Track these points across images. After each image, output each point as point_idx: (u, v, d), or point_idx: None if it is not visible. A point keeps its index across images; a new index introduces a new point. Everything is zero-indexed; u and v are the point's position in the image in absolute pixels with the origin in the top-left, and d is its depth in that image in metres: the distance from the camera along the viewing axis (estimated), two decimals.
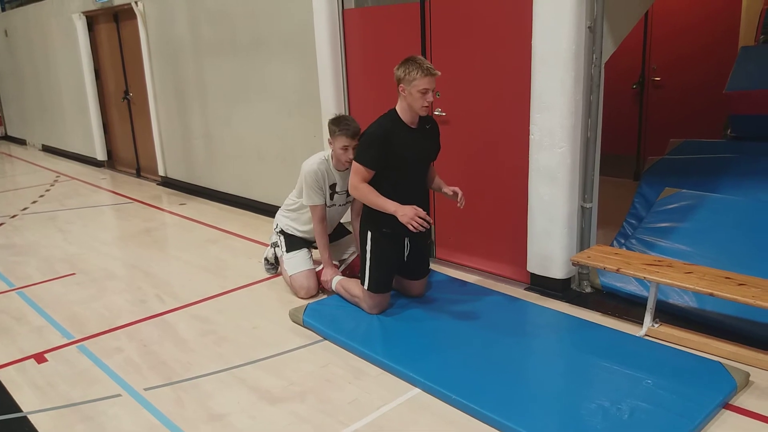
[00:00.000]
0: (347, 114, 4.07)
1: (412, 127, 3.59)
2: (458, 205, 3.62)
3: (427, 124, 3.70)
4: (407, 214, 3.42)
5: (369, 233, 3.72)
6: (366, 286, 3.73)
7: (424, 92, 3.41)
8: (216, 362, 3.38)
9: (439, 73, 3.46)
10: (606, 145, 4.16)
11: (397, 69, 3.48)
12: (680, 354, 3.18)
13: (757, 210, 3.93)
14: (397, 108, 3.59)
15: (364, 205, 3.73)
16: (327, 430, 2.75)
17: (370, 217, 3.72)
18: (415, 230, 3.43)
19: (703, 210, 4.10)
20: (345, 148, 3.90)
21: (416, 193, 3.68)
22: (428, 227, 3.49)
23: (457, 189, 3.65)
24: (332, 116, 4.07)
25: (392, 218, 3.50)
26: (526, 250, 4.10)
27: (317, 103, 5.35)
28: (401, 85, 3.47)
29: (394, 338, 3.49)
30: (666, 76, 6.53)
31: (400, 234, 3.63)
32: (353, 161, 3.62)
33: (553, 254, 3.97)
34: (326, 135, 5.24)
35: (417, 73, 3.38)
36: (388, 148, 3.51)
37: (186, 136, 7.42)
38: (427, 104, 3.47)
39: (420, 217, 3.42)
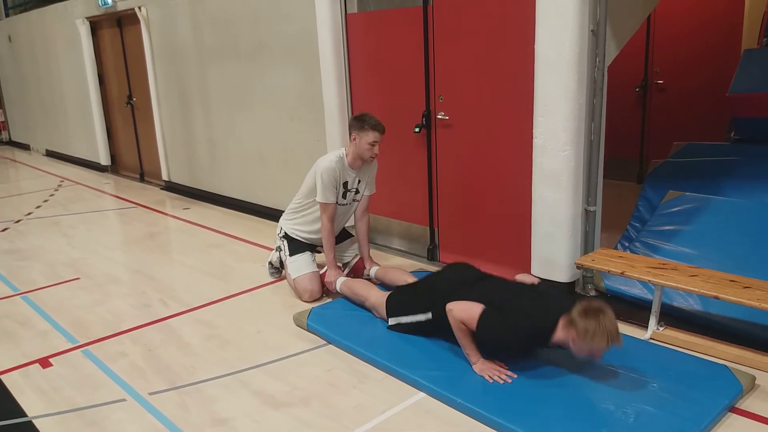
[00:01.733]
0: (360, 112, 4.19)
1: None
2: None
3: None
4: (487, 368, 3.07)
5: (430, 315, 3.40)
6: (389, 323, 3.61)
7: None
8: (220, 366, 3.38)
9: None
10: (609, 149, 4.16)
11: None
12: (685, 357, 3.17)
13: (761, 212, 3.93)
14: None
15: (450, 296, 3.24)
16: None
17: (443, 314, 3.22)
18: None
19: (707, 213, 4.09)
20: (373, 144, 4.01)
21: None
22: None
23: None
24: (354, 115, 4.17)
25: (439, 308, 3.23)
26: (530, 254, 4.10)
27: (320, 107, 5.35)
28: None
29: (398, 342, 3.48)
30: (669, 79, 6.53)
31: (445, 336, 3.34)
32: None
33: (557, 257, 3.97)
34: (330, 139, 5.29)
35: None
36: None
37: (189, 140, 7.43)
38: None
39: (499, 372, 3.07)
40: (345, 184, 4.15)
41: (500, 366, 3.08)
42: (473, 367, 3.11)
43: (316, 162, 4.14)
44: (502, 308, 3.03)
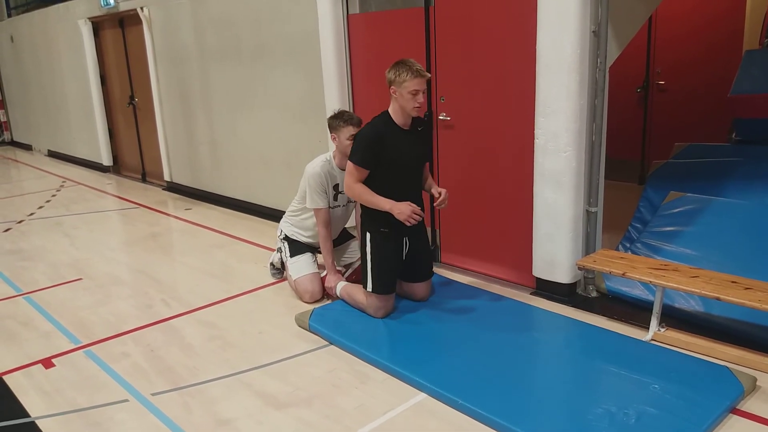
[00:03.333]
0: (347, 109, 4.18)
1: (405, 129, 3.67)
2: (435, 204, 3.72)
3: (419, 126, 3.78)
4: (403, 211, 3.52)
5: (368, 234, 3.77)
6: (369, 288, 3.74)
7: (415, 93, 3.51)
8: (222, 367, 3.39)
9: (429, 75, 3.59)
10: (611, 149, 4.16)
11: (388, 72, 3.58)
12: (687, 358, 3.18)
13: (763, 213, 3.93)
14: (390, 110, 3.68)
15: (362, 207, 3.79)
16: None
17: (367, 218, 3.79)
18: (410, 224, 3.55)
19: (709, 214, 4.09)
20: (352, 137, 3.96)
21: (410, 193, 3.73)
22: (422, 218, 3.61)
23: (442, 190, 3.73)
24: (331, 115, 4.15)
25: (389, 217, 3.58)
26: (531, 255, 4.10)
27: (322, 108, 5.36)
28: (392, 87, 3.57)
29: (399, 343, 3.50)
30: (670, 80, 6.53)
31: (399, 233, 3.70)
32: (348, 161, 3.68)
33: (558, 258, 3.97)
34: (331, 140, 5.29)
35: (407, 75, 3.49)
36: (381, 149, 3.59)
37: (191, 141, 7.44)
38: (417, 105, 3.55)
39: (415, 213, 3.52)
40: (336, 186, 4.15)
41: (409, 205, 3.51)
42: (393, 212, 3.51)
43: (305, 168, 4.15)
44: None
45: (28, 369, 3.50)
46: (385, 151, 3.60)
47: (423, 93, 3.56)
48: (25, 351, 3.72)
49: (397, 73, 3.52)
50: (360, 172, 3.63)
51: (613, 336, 3.47)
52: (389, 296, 3.78)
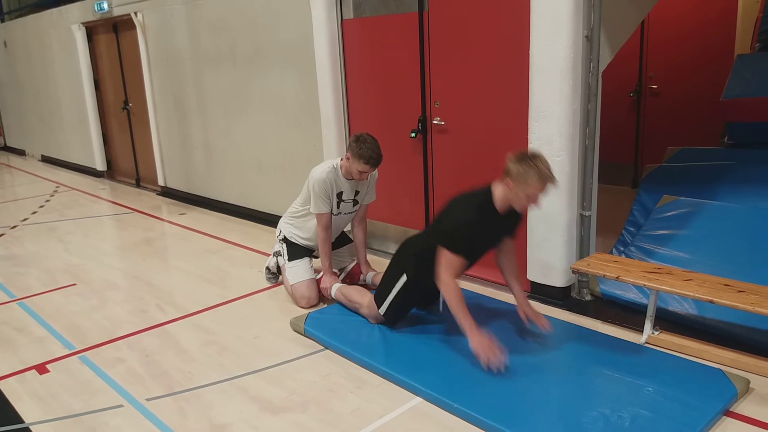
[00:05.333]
0: (369, 135, 3.94)
1: (501, 214, 3.22)
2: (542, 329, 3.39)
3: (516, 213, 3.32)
4: (484, 346, 3.09)
5: (404, 277, 3.52)
6: (381, 311, 3.64)
7: (533, 198, 3.05)
8: (218, 372, 3.39)
9: (557, 181, 3.10)
10: (604, 154, 4.19)
11: (512, 163, 3.02)
12: (680, 361, 3.19)
13: (755, 217, 3.95)
14: (494, 193, 3.17)
15: (412, 247, 3.53)
16: None
17: (413, 266, 3.48)
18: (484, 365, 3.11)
19: (702, 217, 4.12)
20: (362, 173, 3.96)
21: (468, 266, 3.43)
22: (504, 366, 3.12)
23: (541, 317, 3.40)
24: (357, 134, 3.96)
25: (432, 283, 3.30)
26: (525, 258, 4.12)
27: (317, 113, 5.37)
28: (509, 180, 3.04)
29: (395, 347, 3.50)
30: (663, 84, 6.57)
31: (435, 289, 3.41)
32: (442, 248, 3.21)
33: (552, 262, 3.99)
34: (327, 145, 5.31)
35: (534, 179, 2.96)
36: (477, 236, 3.21)
37: (186, 146, 7.44)
38: (528, 206, 3.15)
39: (493, 359, 3.08)
40: (340, 194, 4.14)
41: (491, 343, 3.11)
42: (470, 341, 3.13)
43: (311, 171, 4.15)
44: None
45: (23, 375, 3.48)
46: (479, 237, 3.24)
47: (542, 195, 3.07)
48: (20, 357, 3.71)
49: (523, 170, 2.97)
50: (458, 262, 3.19)
51: (607, 339, 3.48)
52: None
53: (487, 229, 3.24)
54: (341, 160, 4.11)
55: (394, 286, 3.58)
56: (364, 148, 3.88)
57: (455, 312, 3.21)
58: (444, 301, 3.28)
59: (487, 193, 3.19)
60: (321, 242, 4.16)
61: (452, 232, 3.19)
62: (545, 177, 2.98)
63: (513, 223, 3.40)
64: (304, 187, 4.26)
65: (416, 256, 3.51)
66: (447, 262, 3.20)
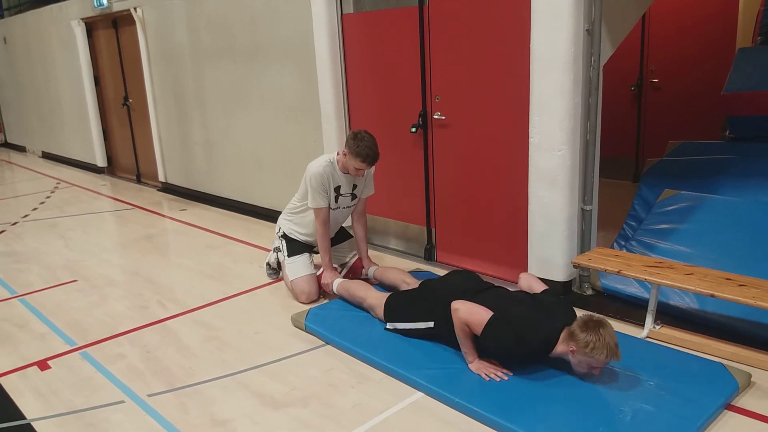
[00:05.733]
0: (367, 132, 3.93)
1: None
2: None
3: None
4: (483, 367, 3.08)
5: (431, 324, 3.39)
6: (387, 327, 3.60)
7: (594, 369, 2.91)
8: (219, 368, 3.39)
9: (620, 358, 2.88)
10: (605, 148, 4.18)
11: (581, 333, 2.86)
12: (682, 355, 3.19)
13: (757, 211, 3.95)
14: (558, 343, 2.99)
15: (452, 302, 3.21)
16: None
17: (447, 323, 3.20)
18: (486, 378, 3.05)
19: (703, 211, 4.11)
20: (358, 170, 3.97)
21: None
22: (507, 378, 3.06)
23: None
24: (355, 131, 3.97)
25: (440, 316, 3.28)
26: (526, 253, 4.11)
27: (317, 108, 5.36)
28: (573, 346, 2.89)
29: (396, 342, 3.49)
30: (664, 77, 6.55)
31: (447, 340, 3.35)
32: (488, 326, 2.99)
33: (553, 257, 3.98)
34: (327, 140, 5.30)
35: (602, 355, 2.82)
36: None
37: (186, 141, 7.43)
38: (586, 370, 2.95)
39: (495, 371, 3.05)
40: (337, 188, 4.13)
41: (495, 364, 3.10)
42: (469, 365, 3.12)
43: (307, 166, 4.14)
44: (509, 318, 3.01)
45: (24, 371, 3.49)
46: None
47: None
48: (21, 353, 3.71)
49: (592, 341, 2.82)
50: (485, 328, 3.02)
51: None
52: None
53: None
54: (338, 154, 4.10)
55: (415, 321, 3.46)
56: (362, 146, 3.87)
57: (462, 337, 3.11)
58: None
59: (553, 333, 2.98)
60: (320, 237, 4.15)
61: (507, 347, 3.01)
62: (612, 353, 2.82)
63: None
64: (301, 182, 4.25)
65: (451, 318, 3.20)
66: (477, 320, 3.01)
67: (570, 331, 2.92)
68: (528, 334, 2.96)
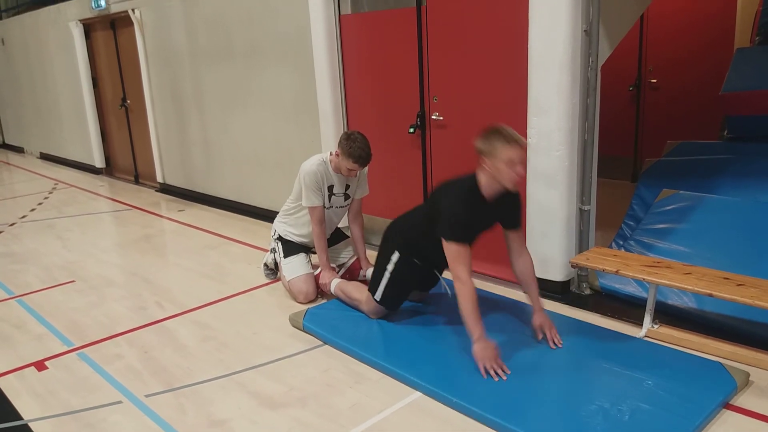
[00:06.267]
0: (359, 133, 3.94)
1: (489, 202, 3.21)
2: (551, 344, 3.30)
3: (508, 197, 3.26)
4: (485, 359, 3.04)
5: (397, 254, 3.54)
6: (377, 298, 3.65)
7: (512, 164, 3.01)
8: (216, 368, 3.38)
9: (526, 143, 3.09)
10: (603, 147, 4.17)
11: (478, 141, 3.08)
12: (680, 355, 3.19)
13: (755, 210, 3.95)
14: (479, 179, 3.15)
15: (401, 226, 3.56)
16: None
17: (404, 240, 3.51)
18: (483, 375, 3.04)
19: (701, 211, 4.11)
20: (350, 170, 3.97)
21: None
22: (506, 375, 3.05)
23: (546, 324, 3.32)
24: (348, 132, 4.00)
25: (428, 254, 3.38)
26: None
27: (315, 108, 5.36)
28: (483, 157, 3.07)
29: (394, 342, 3.49)
30: (662, 77, 6.56)
31: (429, 267, 3.48)
32: (448, 242, 3.14)
33: (552, 257, 3.98)
34: (324, 140, 5.30)
35: (501, 143, 3.00)
36: (469, 225, 3.20)
37: (184, 142, 7.43)
38: (516, 177, 3.06)
39: (496, 368, 3.03)
40: (330, 187, 4.13)
41: (495, 352, 3.06)
42: (474, 345, 3.07)
43: (301, 166, 4.15)
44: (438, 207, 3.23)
45: (21, 372, 3.48)
46: (471, 226, 3.22)
47: (522, 164, 3.06)
48: (18, 354, 3.70)
49: (489, 141, 3.03)
50: (464, 250, 3.13)
51: (606, 333, 3.48)
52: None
53: (477, 215, 3.20)
54: (330, 154, 4.11)
55: (386, 268, 3.59)
56: (354, 147, 3.87)
57: (466, 315, 3.12)
58: (452, 288, 3.22)
59: (471, 179, 3.18)
60: (316, 237, 4.15)
61: (449, 222, 3.15)
62: (511, 139, 3.00)
63: (507, 211, 3.35)
64: (295, 182, 4.25)
65: (405, 233, 3.55)
66: (456, 254, 3.13)
67: (477, 158, 3.09)
68: (453, 194, 3.18)
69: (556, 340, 3.31)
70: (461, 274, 3.13)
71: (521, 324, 3.66)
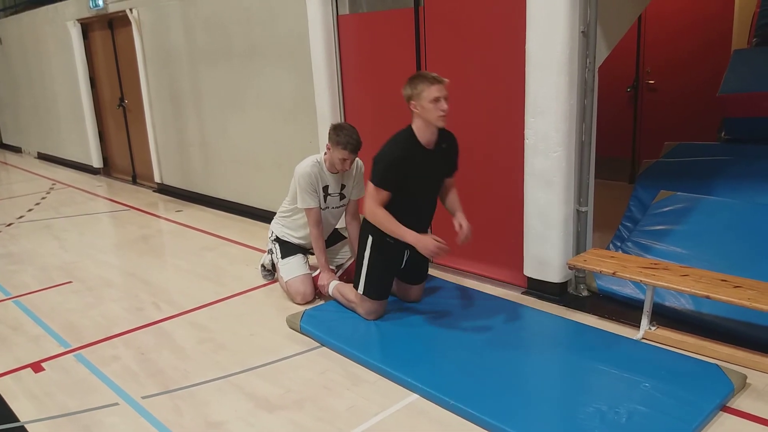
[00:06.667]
0: (347, 123, 4.06)
1: (428, 148, 3.47)
2: (457, 240, 3.52)
3: (444, 143, 3.56)
4: (428, 246, 3.35)
5: (370, 238, 3.67)
6: (361, 291, 3.72)
7: (436, 101, 3.30)
8: (213, 370, 3.37)
9: (447, 80, 3.36)
10: (601, 149, 4.17)
11: (405, 88, 3.38)
12: (677, 357, 3.19)
13: (752, 212, 3.95)
14: (413, 127, 3.45)
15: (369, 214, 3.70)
16: None
17: (373, 224, 3.66)
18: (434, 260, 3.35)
19: (699, 213, 4.11)
20: (343, 161, 3.95)
21: (422, 212, 3.66)
22: (447, 251, 3.39)
23: (464, 222, 3.56)
24: (335, 123, 4.07)
25: (368, 230, 3.52)
26: (522, 254, 4.11)
27: (313, 109, 5.35)
28: (411, 102, 3.36)
29: (391, 344, 3.49)
30: (660, 79, 6.56)
31: (403, 244, 3.57)
32: (369, 182, 3.46)
33: (549, 258, 3.98)
34: (322, 141, 5.29)
35: (424, 84, 3.30)
36: (403, 170, 3.40)
37: (182, 142, 7.42)
38: (442, 113, 3.34)
39: (440, 248, 3.34)
40: (326, 188, 4.13)
41: (434, 240, 3.35)
42: (417, 247, 3.37)
43: (295, 168, 4.14)
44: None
45: (18, 373, 3.47)
46: (407, 172, 3.41)
47: (445, 99, 3.34)
48: (15, 355, 3.69)
49: (413, 85, 3.33)
50: (381, 195, 3.42)
51: (604, 335, 3.47)
52: (382, 301, 3.76)
53: (416, 163, 3.43)
54: (324, 154, 4.10)
55: (363, 257, 3.68)
56: (342, 135, 3.90)
57: (390, 228, 3.43)
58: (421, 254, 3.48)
59: (408, 129, 3.45)
60: (314, 239, 4.15)
61: (376, 168, 3.43)
62: (433, 80, 3.30)
63: (446, 158, 3.62)
64: (290, 184, 4.25)
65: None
66: (371, 194, 3.44)
67: (407, 103, 3.35)
68: (388, 148, 3.44)
69: (463, 228, 3.55)
70: (370, 207, 3.46)
71: (519, 326, 3.66)
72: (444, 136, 3.55)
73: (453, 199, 3.75)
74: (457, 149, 3.69)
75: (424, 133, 3.42)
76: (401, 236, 3.42)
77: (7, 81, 11.95)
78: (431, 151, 3.47)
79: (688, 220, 4.10)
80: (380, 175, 3.41)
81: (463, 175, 4.42)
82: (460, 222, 3.56)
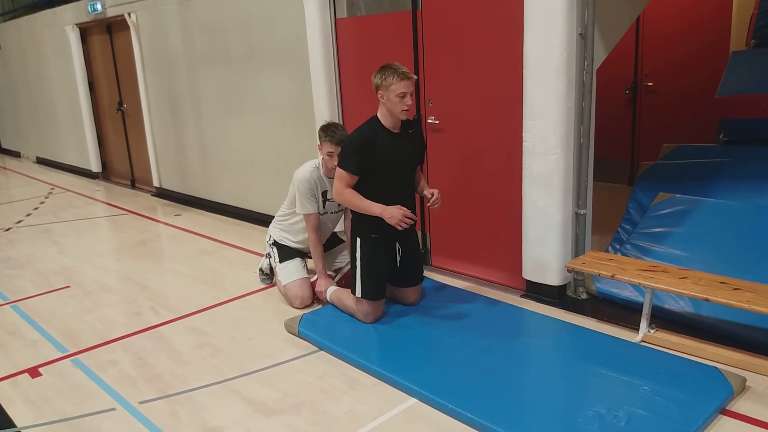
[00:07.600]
0: (339, 122, 4.12)
1: (395, 132, 3.64)
2: (428, 204, 3.69)
3: (410, 128, 3.74)
4: (394, 215, 3.49)
5: (358, 240, 3.74)
6: (358, 294, 3.72)
7: (402, 96, 3.49)
8: (211, 374, 3.36)
9: (415, 77, 3.57)
10: (600, 151, 4.17)
11: (374, 77, 3.57)
12: (676, 359, 3.18)
13: (751, 214, 3.94)
14: (378, 115, 3.65)
15: (352, 212, 3.78)
16: None
17: (358, 223, 3.75)
18: (403, 229, 3.52)
19: (698, 215, 4.10)
20: (330, 155, 3.97)
21: (403, 197, 3.71)
22: (414, 222, 3.58)
23: (434, 190, 3.68)
24: (323, 123, 4.13)
25: (380, 222, 3.55)
26: (521, 257, 4.10)
27: (311, 112, 5.35)
28: (379, 91, 3.55)
29: (390, 348, 3.48)
30: (658, 81, 6.56)
31: (391, 238, 3.67)
32: (337, 167, 3.64)
33: (548, 261, 3.97)
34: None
35: (393, 78, 3.47)
36: (370, 154, 3.55)
37: (180, 146, 7.41)
38: (406, 108, 3.53)
39: (406, 216, 3.49)
40: (324, 193, 4.13)
41: (400, 208, 3.49)
42: (384, 217, 3.49)
43: (294, 174, 4.14)
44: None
45: (15, 378, 3.46)
46: (375, 155, 3.56)
47: (411, 95, 3.54)
48: (12, 360, 3.68)
49: (383, 77, 3.51)
50: (350, 178, 3.59)
51: (603, 338, 3.46)
52: (379, 302, 3.76)
53: (383, 144, 3.58)
54: (321, 159, 4.11)
55: (356, 259, 3.75)
56: (329, 130, 3.98)
57: (357, 204, 3.58)
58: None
59: (374, 118, 3.65)
60: (312, 245, 4.14)
61: (342, 153, 3.65)
62: (403, 75, 3.47)
63: (414, 143, 3.76)
64: (289, 189, 4.24)
65: (354, 216, 3.77)
66: (339, 176, 3.60)
67: (374, 91, 3.54)
68: (354, 135, 3.63)
69: (434, 194, 3.66)
70: (340, 189, 3.61)
71: (518, 330, 3.66)
72: (409, 123, 3.75)
73: (418, 179, 3.91)
74: (422, 136, 3.95)
75: (388, 120, 3.62)
76: (368, 210, 3.56)
77: (6, 86, 11.95)
78: (398, 134, 3.66)
79: (686, 223, 4.09)
80: (345, 159, 3.60)
81: (461, 177, 4.44)
82: (431, 191, 3.70)
